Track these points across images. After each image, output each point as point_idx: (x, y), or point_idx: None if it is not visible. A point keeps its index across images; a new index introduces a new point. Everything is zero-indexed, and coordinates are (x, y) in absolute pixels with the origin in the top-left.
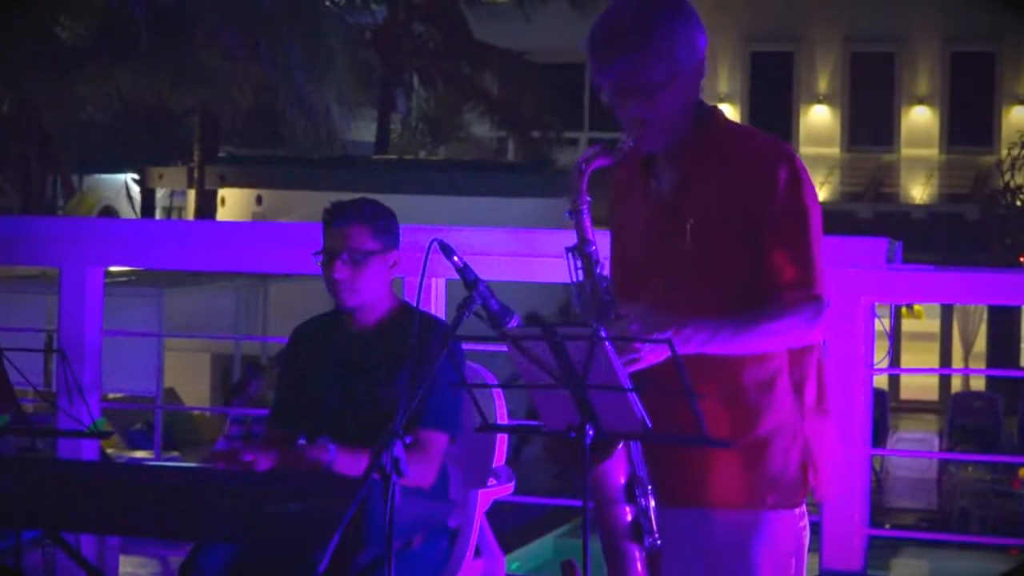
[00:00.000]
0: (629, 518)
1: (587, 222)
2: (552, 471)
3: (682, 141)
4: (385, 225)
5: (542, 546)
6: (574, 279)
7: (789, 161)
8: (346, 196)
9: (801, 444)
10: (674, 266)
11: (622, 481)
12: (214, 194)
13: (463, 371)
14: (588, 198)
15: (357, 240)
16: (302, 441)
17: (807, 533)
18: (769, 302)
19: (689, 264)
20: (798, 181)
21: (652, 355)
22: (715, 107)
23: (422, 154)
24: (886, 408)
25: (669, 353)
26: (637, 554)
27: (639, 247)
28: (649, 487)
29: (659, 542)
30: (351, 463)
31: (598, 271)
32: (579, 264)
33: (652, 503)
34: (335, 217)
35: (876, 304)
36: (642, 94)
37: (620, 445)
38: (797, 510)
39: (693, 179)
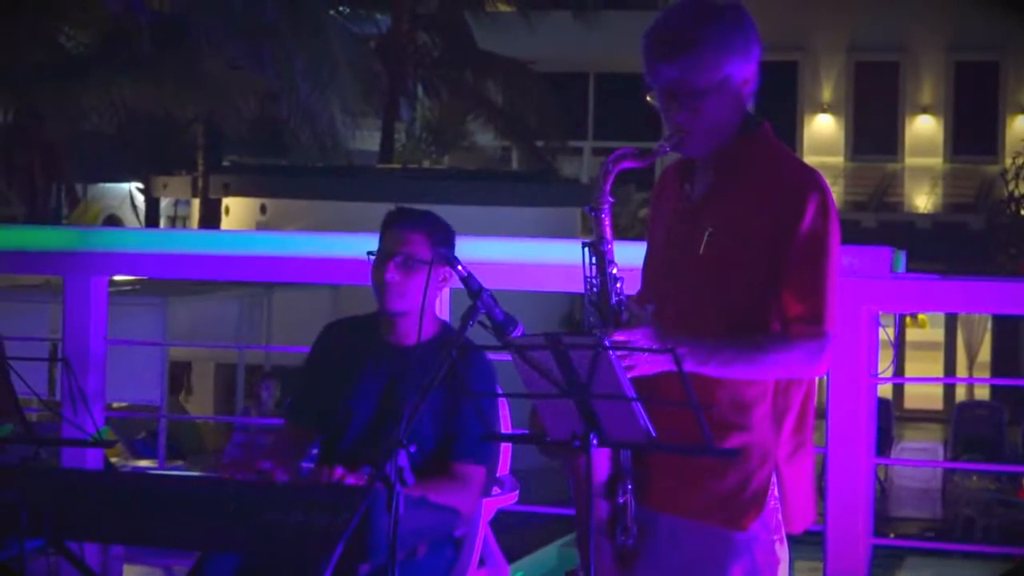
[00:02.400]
0: (605, 514)
1: (607, 221)
2: (557, 480)
3: (722, 151)
4: (444, 239)
5: (546, 555)
6: (587, 274)
7: (821, 193)
8: (350, 205)
9: (768, 471)
10: (685, 273)
11: (604, 477)
12: (218, 203)
13: (494, 386)
14: (611, 198)
15: (413, 246)
16: (314, 450)
17: (783, 548)
18: (773, 333)
19: (699, 273)
20: (825, 216)
21: (647, 366)
22: (765, 122)
23: (426, 163)
24: (890, 417)
25: (664, 367)
26: (607, 548)
27: (660, 251)
28: (630, 486)
29: (631, 541)
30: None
31: (610, 270)
32: (593, 260)
33: (632, 502)
34: (396, 221)
35: (880, 313)
36: (688, 99)
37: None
38: (760, 532)
39: (722, 190)
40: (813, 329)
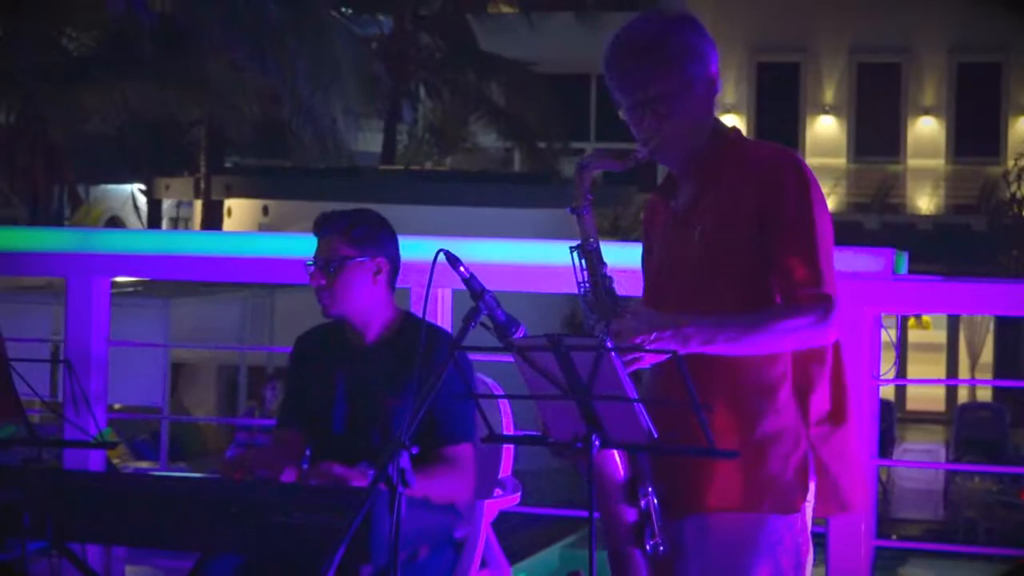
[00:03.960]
0: (631, 520)
1: (589, 220)
2: (560, 482)
3: (697, 157)
4: (364, 233)
5: (548, 556)
6: (579, 278)
7: (796, 166)
8: (352, 206)
9: (803, 451)
10: (683, 273)
11: (622, 477)
12: (220, 204)
13: (472, 382)
14: (590, 196)
15: (329, 248)
16: (307, 452)
17: (808, 540)
18: (778, 304)
19: (697, 270)
20: (804, 187)
21: (652, 355)
22: (735, 127)
23: (428, 164)
24: (892, 419)
25: (668, 354)
26: (640, 559)
27: (658, 261)
28: (651, 488)
29: (663, 547)
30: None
31: (601, 269)
32: (583, 263)
33: (656, 504)
34: (316, 227)
35: (883, 315)
36: (656, 104)
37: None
38: (794, 515)
39: (705, 191)
40: (815, 292)
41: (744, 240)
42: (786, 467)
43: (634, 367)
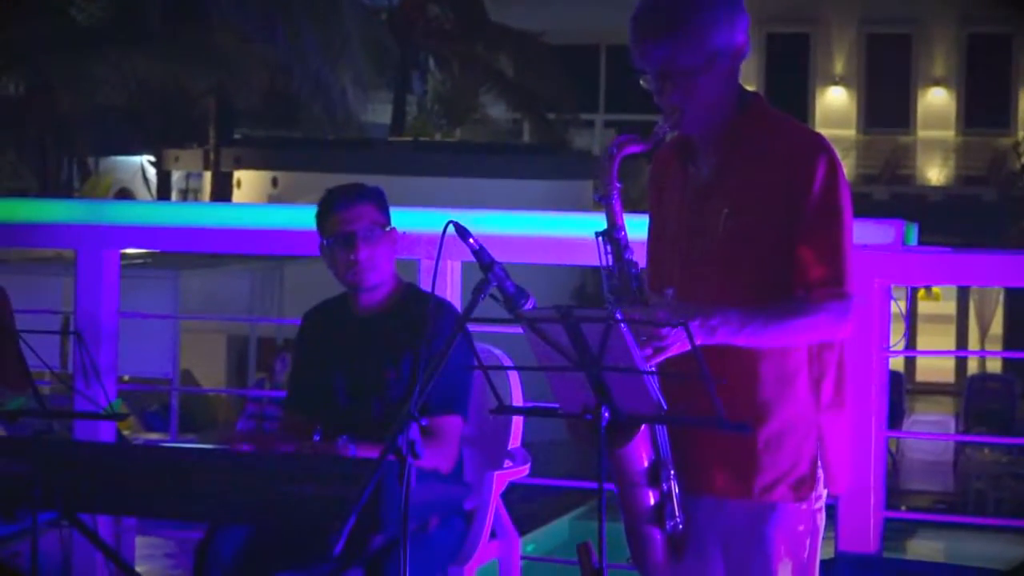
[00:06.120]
0: (652, 502)
1: (617, 208)
2: (569, 453)
3: (723, 127)
4: (385, 201)
5: (558, 528)
6: (603, 263)
7: (827, 156)
8: (362, 178)
9: (815, 439)
10: (705, 253)
11: (645, 464)
12: (230, 176)
13: (474, 352)
14: (619, 184)
15: (369, 217)
16: (316, 438)
17: (822, 516)
18: (798, 298)
19: (720, 252)
20: (834, 177)
21: (678, 344)
22: (757, 94)
23: (438, 136)
24: (902, 390)
25: (698, 343)
26: (658, 537)
27: (674, 232)
28: (673, 471)
29: (681, 526)
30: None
31: (627, 256)
32: (608, 249)
33: (676, 488)
34: (339, 200)
35: (892, 286)
36: (680, 78)
37: (643, 429)
38: (809, 501)
39: (731, 166)
40: (836, 291)
41: (770, 227)
42: (799, 458)
43: (659, 357)
